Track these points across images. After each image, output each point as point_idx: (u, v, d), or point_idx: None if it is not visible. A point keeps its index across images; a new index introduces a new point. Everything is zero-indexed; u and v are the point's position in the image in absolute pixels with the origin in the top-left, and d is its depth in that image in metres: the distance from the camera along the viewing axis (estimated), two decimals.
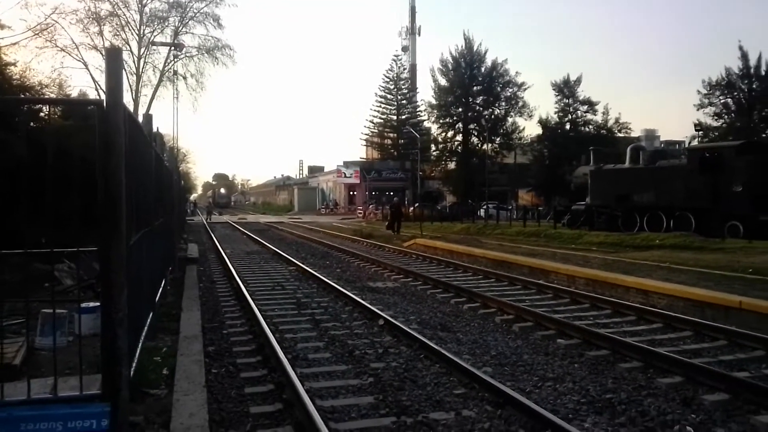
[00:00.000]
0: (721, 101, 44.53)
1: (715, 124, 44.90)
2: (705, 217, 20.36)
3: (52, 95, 20.99)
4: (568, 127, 51.80)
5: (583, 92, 51.50)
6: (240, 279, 11.99)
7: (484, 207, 41.18)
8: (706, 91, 44.49)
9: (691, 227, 20.45)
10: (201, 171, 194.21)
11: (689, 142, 44.87)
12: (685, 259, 13.80)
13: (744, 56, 42.82)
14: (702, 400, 5.21)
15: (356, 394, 5.41)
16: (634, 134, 50.87)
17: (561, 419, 4.56)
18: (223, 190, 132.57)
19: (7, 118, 10.81)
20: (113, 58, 3.79)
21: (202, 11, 35.96)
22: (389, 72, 67.35)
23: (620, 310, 9.16)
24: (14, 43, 18.26)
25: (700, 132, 44.99)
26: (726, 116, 44.58)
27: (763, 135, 41.36)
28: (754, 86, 42.95)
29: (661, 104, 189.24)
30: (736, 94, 43.82)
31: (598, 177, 25.72)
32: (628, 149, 26.02)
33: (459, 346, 7.17)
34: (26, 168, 4.15)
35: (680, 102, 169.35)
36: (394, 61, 68.05)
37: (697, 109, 45.20)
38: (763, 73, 42.57)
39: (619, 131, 50.94)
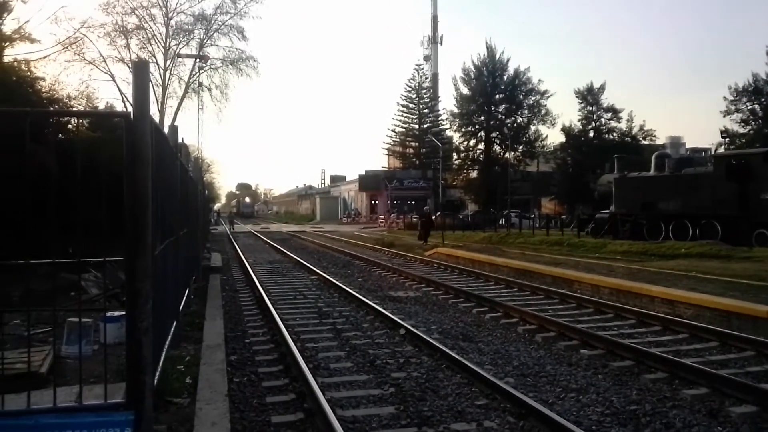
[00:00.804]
0: (748, 107, 43.85)
1: (742, 130, 44.19)
2: (732, 225, 20.00)
3: (80, 107, 21.41)
4: (591, 134, 51.39)
5: (606, 99, 51.21)
6: (262, 288, 12.08)
7: (507, 215, 40.92)
8: (732, 98, 43.93)
9: (717, 236, 20.09)
10: (225, 181, 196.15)
11: (715, 149, 44.13)
12: (711, 268, 13.57)
13: None
14: (729, 412, 5.12)
15: (377, 404, 5.41)
16: (659, 141, 50.20)
17: (584, 431, 4.51)
18: (247, 200, 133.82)
19: (36, 131, 11.07)
20: (140, 71, 3.86)
21: (226, 24, 36.42)
22: (411, 81, 67.64)
23: (645, 320, 9.04)
24: (44, 57, 18.67)
25: (727, 139, 44.28)
26: (753, 123, 43.80)
27: None
28: None
29: (686, 111, 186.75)
30: (763, 100, 43.08)
31: (622, 185, 25.44)
32: (653, 157, 25.69)
33: (481, 357, 7.13)
34: (55, 179, 4.23)
35: (706, 109, 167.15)
36: (416, 70, 68.34)
37: (724, 116, 44.66)
38: None
39: (644, 139, 50.36)
